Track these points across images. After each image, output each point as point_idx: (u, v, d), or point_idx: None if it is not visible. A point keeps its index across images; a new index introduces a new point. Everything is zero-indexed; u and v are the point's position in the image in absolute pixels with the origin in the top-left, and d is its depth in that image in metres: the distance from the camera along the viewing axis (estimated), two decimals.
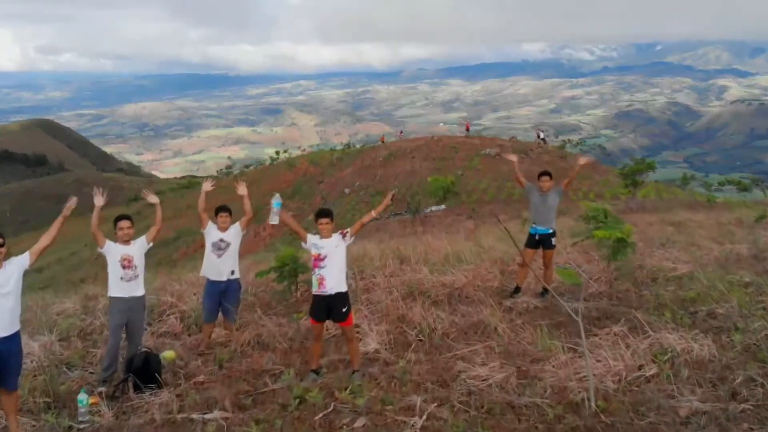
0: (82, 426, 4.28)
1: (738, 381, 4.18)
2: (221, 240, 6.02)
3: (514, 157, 6.71)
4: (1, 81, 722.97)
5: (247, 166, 70.35)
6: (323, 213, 5.06)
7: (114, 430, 4.18)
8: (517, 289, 6.47)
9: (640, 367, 4.45)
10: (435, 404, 4.07)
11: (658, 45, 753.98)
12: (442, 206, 33.80)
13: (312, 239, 5.01)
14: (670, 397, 4.01)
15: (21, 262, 4.31)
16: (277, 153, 62.80)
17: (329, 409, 4.17)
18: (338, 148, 63.52)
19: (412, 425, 3.79)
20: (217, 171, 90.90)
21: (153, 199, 5.89)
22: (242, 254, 25.62)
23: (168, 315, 6.58)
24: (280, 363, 5.23)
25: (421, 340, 5.43)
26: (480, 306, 5.96)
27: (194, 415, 4.21)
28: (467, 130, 51.03)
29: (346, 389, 4.45)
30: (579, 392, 4.06)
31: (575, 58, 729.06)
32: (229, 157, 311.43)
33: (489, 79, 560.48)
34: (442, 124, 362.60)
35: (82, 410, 4.33)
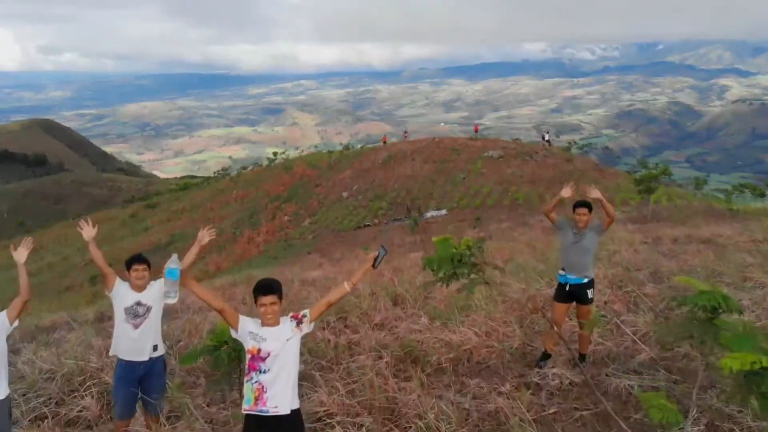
0: None
1: None
2: (138, 303, 4.29)
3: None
4: (2, 81, 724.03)
5: (244, 168, 68.96)
6: (267, 288, 3.29)
7: None
8: (546, 356, 4.96)
9: None
10: None
11: (659, 44, 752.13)
12: (444, 211, 32.41)
13: (248, 324, 3.32)
14: None
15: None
16: (275, 154, 61.29)
17: None
18: (338, 148, 61.93)
19: None
20: (214, 172, 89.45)
21: (18, 255, 3.99)
22: (236, 260, 23.93)
23: (85, 390, 4.93)
24: None
25: None
26: (497, 380, 4.51)
27: None
28: (476, 131, 49.42)
29: None
30: None
31: (576, 58, 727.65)
32: (230, 157, 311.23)
33: (490, 79, 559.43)
34: (443, 123, 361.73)
35: None
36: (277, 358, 3.22)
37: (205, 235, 4.01)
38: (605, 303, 6.01)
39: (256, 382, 3.22)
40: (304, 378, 4.64)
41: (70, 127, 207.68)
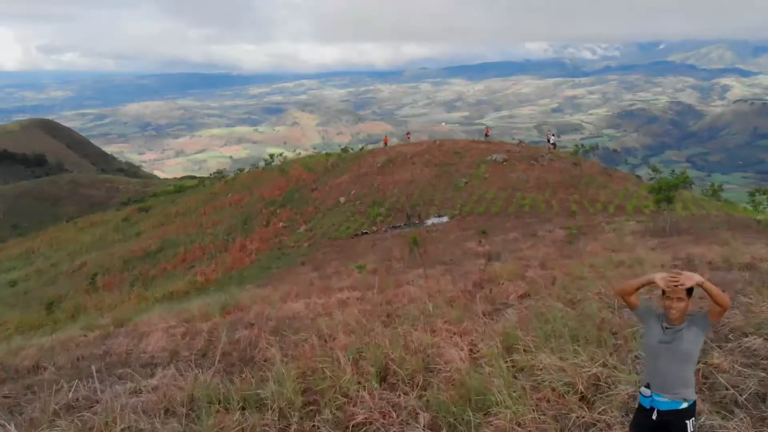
0: None
1: None
2: None
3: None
4: (3, 80, 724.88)
5: (241, 170, 67.59)
6: None
7: None
8: None
9: None
10: None
11: (660, 44, 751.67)
12: (445, 218, 30.81)
13: None
14: None
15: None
16: (272, 156, 59.70)
17: None
18: (338, 149, 60.30)
19: None
20: (210, 174, 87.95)
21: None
22: (226, 270, 22.24)
23: None
24: None
25: None
26: None
27: None
28: (486, 135, 47.60)
29: None
30: None
31: (578, 58, 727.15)
32: (230, 157, 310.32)
33: (491, 79, 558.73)
34: (444, 123, 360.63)
35: None
36: None
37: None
38: None
39: None
40: None
41: (69, 127, 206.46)
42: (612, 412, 3.96)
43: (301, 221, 35.17)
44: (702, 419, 3.83)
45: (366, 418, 3.96)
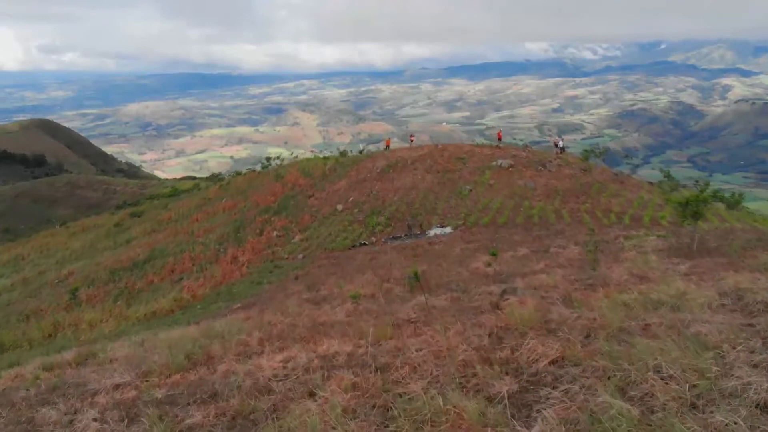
0: None
1: None
2: None
3: None
4: (4, 80, 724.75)
5: (237, 173, 65.92)
6: None
7: None
8: None
9: None
10: None
11: (661, 44, 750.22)
12: (449, 228, 29.03)
13: None
14: None
15: None
16: (268, 159, 57.99)
17: None
18: (338, 149, 58.60)
19: None
20: (205, 178, 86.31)
21: None
22: (215, 285, 20.32)
23: None
24: None
25: None
26: None
27: None
28: (499, 139, 45.66)
29: None
30: None
31: (578, 58, 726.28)
32: (231, 157, 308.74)
33: (492, 79, 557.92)
34: (444, 123, 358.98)
35: None
36: None
37: None
38: None
39: None
40: None
41: (69, 127, 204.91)
42: None
43: (296, 230, 33.42)
44: None
45: None
